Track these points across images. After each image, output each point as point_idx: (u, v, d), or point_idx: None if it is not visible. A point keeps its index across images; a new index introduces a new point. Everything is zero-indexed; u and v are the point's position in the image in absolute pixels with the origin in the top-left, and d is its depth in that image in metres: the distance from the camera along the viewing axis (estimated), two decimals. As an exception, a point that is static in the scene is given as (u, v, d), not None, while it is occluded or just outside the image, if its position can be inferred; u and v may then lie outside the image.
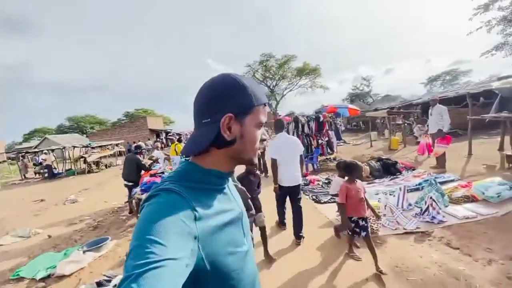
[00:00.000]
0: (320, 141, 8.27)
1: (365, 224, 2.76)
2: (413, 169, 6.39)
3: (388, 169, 6.46)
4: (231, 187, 0.75)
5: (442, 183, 5.10)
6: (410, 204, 4.26)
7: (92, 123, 46.91)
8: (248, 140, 0.65)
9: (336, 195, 3.54)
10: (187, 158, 0.69)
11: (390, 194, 4.58)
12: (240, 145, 0.64)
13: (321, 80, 36.79)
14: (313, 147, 8.12)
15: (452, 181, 5.16)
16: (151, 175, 5.61)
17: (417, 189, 4.84)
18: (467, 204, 4.07)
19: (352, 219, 2.78)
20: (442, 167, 5.90)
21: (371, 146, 10.60)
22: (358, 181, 2.89)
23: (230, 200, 0.70)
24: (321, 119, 8.33)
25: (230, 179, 0.74)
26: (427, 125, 6.94)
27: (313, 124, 8.31)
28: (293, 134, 8.68)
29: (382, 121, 11.96)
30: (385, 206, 4.02)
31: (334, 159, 8.30)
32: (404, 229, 3.61)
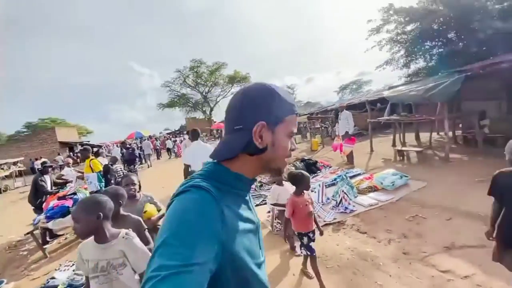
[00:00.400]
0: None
1: (314, 237, 2.65)
2: (330, 167, 7.27)
3: (310, 168, 7.15)
4: (250, 196, 0.73)
5: (352, 177, 5.95)
6: (328, 198, 4.81)
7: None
8: (279, 148, 0.64)
9: (276, 204, 3.65)
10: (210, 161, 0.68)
11: (311, 191, 5.07)
12: (271, 153, 0.64)
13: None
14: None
15: (359, 174, 6.07)
16: (59, 198, 4.77)
17: (333, 184, 5.51)
18: (371, 194, 4.84)
19: (303, 232, 2.60)
20: (351, 163, 6.90)
21: (296, 148, 11.58)
22: (306, 192, 2.68)
23: (250, 209, 0.69)
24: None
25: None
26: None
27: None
28: None
29: (304, 125, 13.36)
30: (308, 203, 4.43)
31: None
32: (324, 221, 4.05)
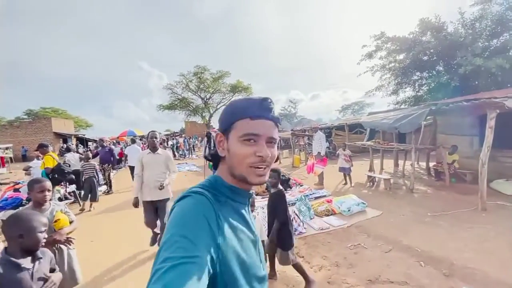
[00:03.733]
0: (228, 157, 8.61)
1: None
2: (302, 185, 7.25)
3: (281, 185, 7.13)
4: (249, 211, 0.75)
5: (316, 197, 5.94)
6: (284, 218, 4.78)
7: None
8: (233, 154, 0.66)
9: None
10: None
11: (268, 209, 5.05)
12: (229, 160, 0.67)
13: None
14: (221, 162, 8.40)
15: (324, 196, 6.05)
16: (15, 190, 4.79)
17: (293, 204, 5.48)
18: (326, 217, 4.81)
19: None
20: (321, 184, 6.88)
21: (280, 162, 11.59)
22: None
23: (247, 222, 0.70)
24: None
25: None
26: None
27: (223, 140, 8.65)
28: (205, 149, 8.94)
29: (295, 141, 13.52)
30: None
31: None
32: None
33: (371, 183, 6.87)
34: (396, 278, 2.87)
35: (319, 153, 6.93)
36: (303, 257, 3.53)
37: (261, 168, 0.66)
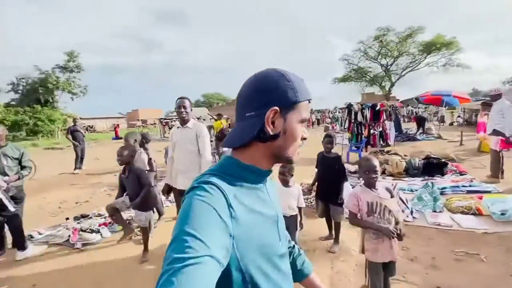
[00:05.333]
0: (372, 131, 7.96)
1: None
2: (462, 174, 5.43)
3: (431, 169, 5.79)
4: (269, 187, 0.71)
5: (470, 191, 4.43)
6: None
7: (219, 100, 56.63)
8: (290, 136, 0.62)
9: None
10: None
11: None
12: (281, 141, 0.62)
13: (461, 56, 29.02)
14: (363, 136, 7.97)
15: (488, 192, 4.35)
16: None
17: (413, 192, 4.53)
18: (460, 215, 3.68)
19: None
20: (494, 176, 4.79)
21: (461, 144, 8.68)
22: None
23: (266, 201, 0.66)
24: (378, 107, 7.92)
25: (268, 178, 0.71)
26: None
27: (368, 113, 8.02)
28: (344, 122, 8.82)
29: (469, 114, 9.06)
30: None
31: (387, 152, 7.74)
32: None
33: None
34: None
35: (495, 130, 4.72)
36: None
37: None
